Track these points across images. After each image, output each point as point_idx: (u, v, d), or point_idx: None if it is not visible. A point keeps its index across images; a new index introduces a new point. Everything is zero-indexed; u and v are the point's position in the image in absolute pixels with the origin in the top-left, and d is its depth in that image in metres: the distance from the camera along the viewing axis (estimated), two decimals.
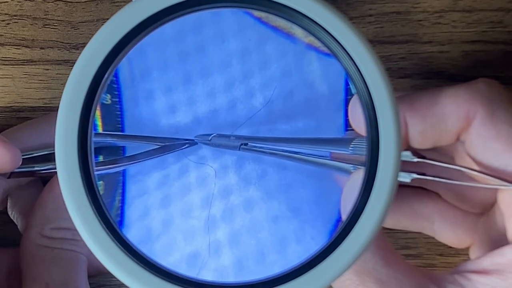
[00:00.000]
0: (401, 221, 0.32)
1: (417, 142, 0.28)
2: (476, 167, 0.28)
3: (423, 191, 0.32)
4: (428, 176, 0.27)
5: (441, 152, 0.30)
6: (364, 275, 0.26)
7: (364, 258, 0.26)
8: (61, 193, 0.24)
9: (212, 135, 0.29)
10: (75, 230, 0.24)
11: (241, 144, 0.29)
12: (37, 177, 0.32)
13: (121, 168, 0.30)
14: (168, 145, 0.30)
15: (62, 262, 0.30)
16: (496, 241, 0.29)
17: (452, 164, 0.28)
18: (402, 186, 0.30)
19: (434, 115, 0.27)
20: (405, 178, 0.27)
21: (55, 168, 0.24)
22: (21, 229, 0.33)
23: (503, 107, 0.27)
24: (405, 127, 0.28)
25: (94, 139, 0.24)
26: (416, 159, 0.27)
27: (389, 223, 0.33)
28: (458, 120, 0.27)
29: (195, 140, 0.29)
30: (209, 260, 0.28)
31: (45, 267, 0.29)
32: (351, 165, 0.27)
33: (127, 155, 0.30)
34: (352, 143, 0.27)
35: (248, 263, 0.28)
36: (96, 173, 0.24)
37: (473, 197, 0.31)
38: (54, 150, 0.24)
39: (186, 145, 0.30)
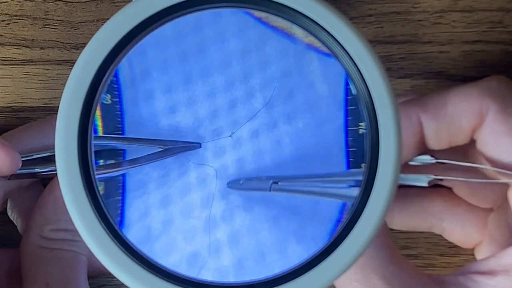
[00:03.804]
0: (410, 221, 0.32)
1: (433, 142, 0.28)
2: (487, 164, 0.28)
3: (432, 188, 0.32)
4: (446, 176, 0.27)
5: (458, 153, 0.30)
6: (370, 271, 0.26)
7: (370, 255, 0.26)
8: (61, 195, 0.24)
9: (242, 180, 0.29)
10: (75, 231, 0.24)
11: (272, 184, 0.29)
12: (38, 178, 0.32)
13: (124, 172, 0.29)
14: (171, 148, 0.29)
15: (62, 262, 0.30)
16: (505, 238, 0.29)
17: (472, 164, 0.28)
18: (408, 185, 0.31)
19: (448, 114, 0.28)
20: (423, 181, 0.27)
21: (56, 170, 0.24)
22: (20, 230, 0.33)
23: None
24: (420, 128, 0.28)
25: (99, 142, 0.24)
26: (435, 160, 0.27)
27: (397, 225, 0.33)
28: (472, 117, 0.27)
29: (228, 187, 0.29)
30: (209, 260, 0.28)
31: (45, 267, 0.29)
32: None
33: (129, 158, 0.30)
34: None
35: (248, 263, 0.28)
36: (98, 176, 0.24)
37: (487, 191, 0.31)
38: (34, 155, 0.24)
39: (195, 147, 0.29)
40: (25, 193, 0.33)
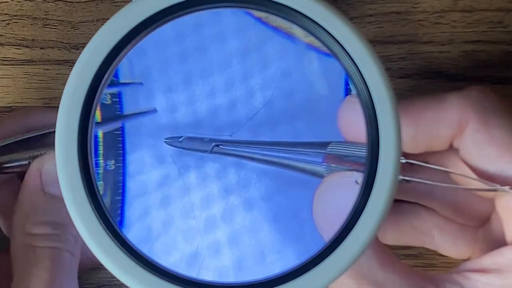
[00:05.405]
0: (401, 238, 0.33)
1: (409, 146, 0.28)
2: (471, 173, 0.28)
3: (421, 207, 0.32)
4: (415, 178, 0.28)
5: (436, 160, 0.30)
6: (361, 278, 0.26)
7: (360, 261, 0.26)
8: (36, 188, 0.23)
9: (182, 137, 0.29)
10: (56, 222, 0.24)
11: (214, 146, 0.28)
12: (5, 174, 0.31)
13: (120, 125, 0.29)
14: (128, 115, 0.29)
15: (45, 263, 0.29)
16: (497, 248, 0.29)
17: (442, 167, 0.28)
18: (399, 202, 0.31)
19: (426, 121, 0.28)
20: None
21: (18, 162, 0.24)
22: (4, 231, 0.32)
23: (496, 114, 0.28)
24: None
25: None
26: (404, 160, 0.27)
27: (390, 240, 0.33)
28: (450, 126, 0.28)
29: (165, 142, 0.29)
30: (209, 260, 0.28)
31: (28, 268, 0.29)
32: (325, 168, 0.27)
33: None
34: (329, 146, 0.27)
35: (248, 263, 0.28)
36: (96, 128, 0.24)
37: (469, 210, 0.31)
38: (7, 141, 0.24)
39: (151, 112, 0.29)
40: (3, 192, 0.33)
